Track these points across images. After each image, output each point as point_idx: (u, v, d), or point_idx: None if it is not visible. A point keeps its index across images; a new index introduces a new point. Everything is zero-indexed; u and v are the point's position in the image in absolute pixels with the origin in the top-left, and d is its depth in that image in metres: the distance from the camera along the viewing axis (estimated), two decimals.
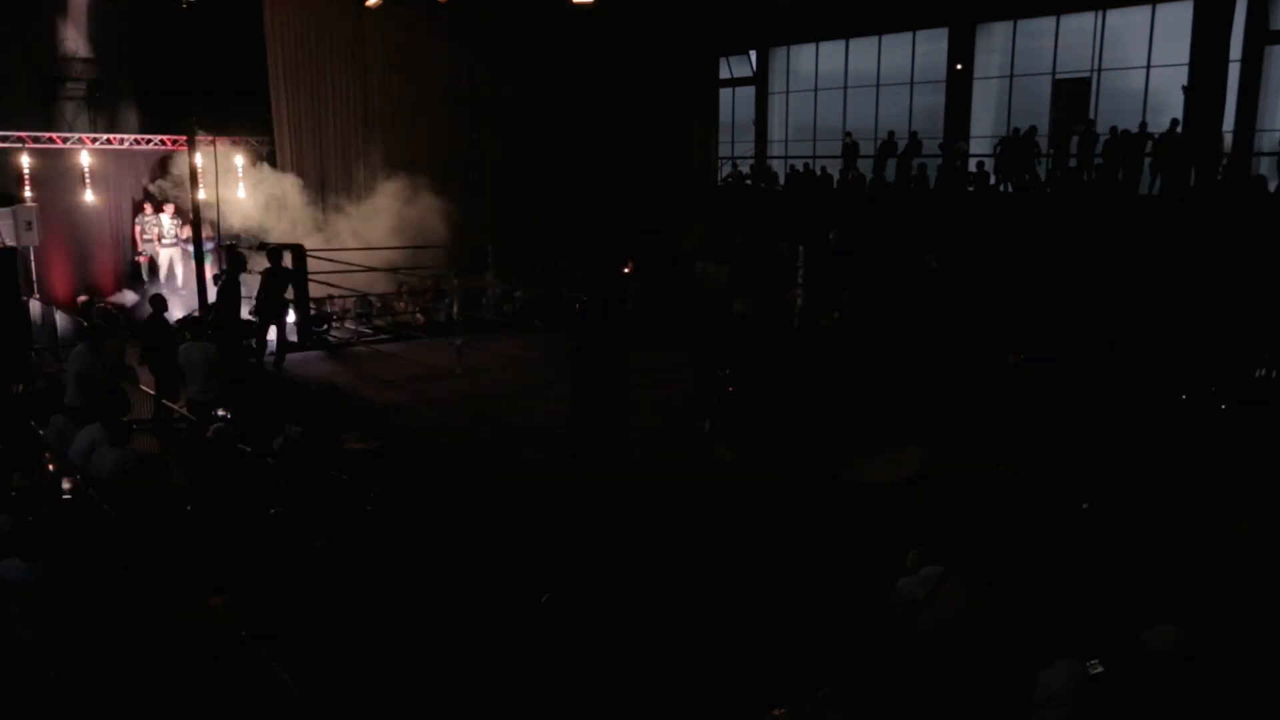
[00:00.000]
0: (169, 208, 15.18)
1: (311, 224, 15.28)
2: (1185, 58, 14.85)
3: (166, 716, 4.75)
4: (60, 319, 12.71)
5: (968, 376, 10.50)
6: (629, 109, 19.58)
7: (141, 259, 15.24)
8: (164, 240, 15.18)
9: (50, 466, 7.85)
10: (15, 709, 4.37)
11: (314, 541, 5.15)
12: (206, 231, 14.00)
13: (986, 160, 17.63)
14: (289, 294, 12.00)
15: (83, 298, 14.53)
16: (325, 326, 13.80)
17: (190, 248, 14.33)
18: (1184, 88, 14.25)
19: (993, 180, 17.27)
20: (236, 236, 14.62)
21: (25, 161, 13.99)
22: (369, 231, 15.33)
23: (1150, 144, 15.53)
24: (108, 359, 9.52)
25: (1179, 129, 14.67)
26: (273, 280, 11.47)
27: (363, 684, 5.02)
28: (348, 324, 14.67)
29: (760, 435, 6.69)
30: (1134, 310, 12.32)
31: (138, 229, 15.23)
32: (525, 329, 12.65)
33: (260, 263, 12.08)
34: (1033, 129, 16.91)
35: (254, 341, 11.54)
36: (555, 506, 6.68)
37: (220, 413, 8.94)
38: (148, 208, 15.23)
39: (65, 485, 7.25)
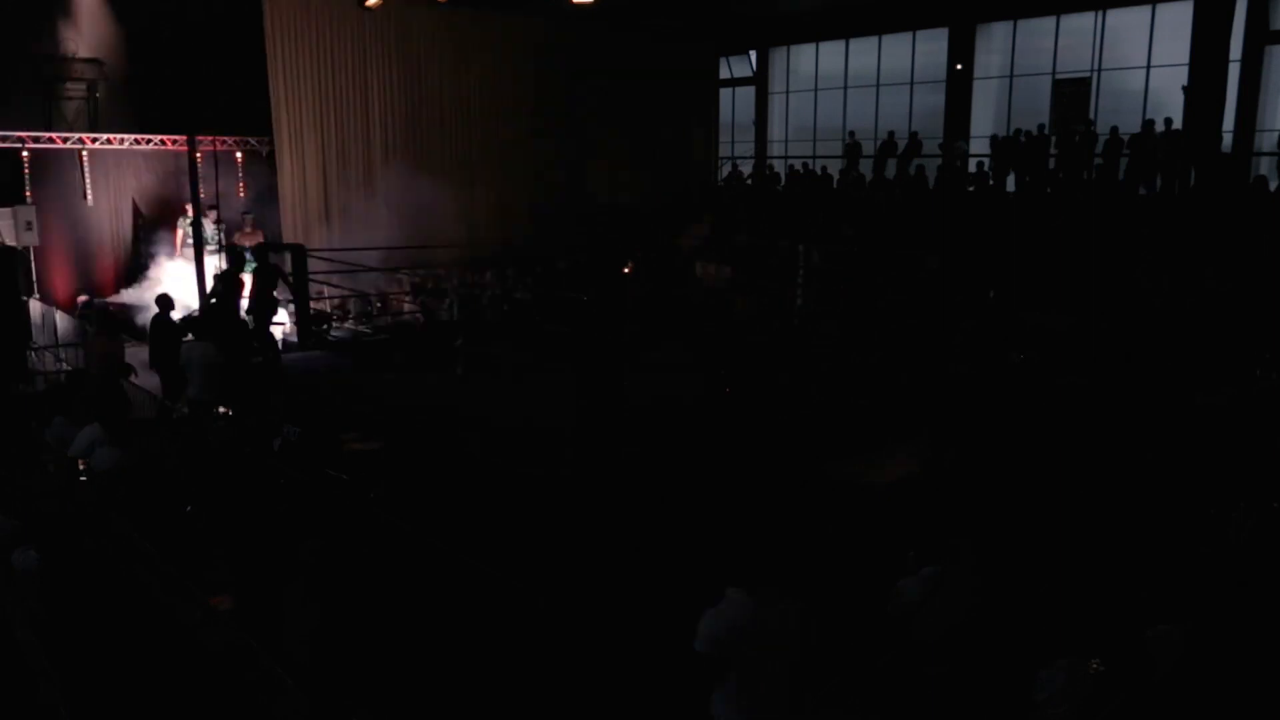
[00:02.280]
0: (211, 213, 14.40)
1: (312, 222, 15.29)
2: (1185, 58, 14.87)
3: (166, 716, 4.75)
4: (60, 319, 12.71)
5: (969, 376, 10.50)
6: (629, 109, 19.62)
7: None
8: (208, 247, 13.92)
9: (50, 467, 7.84)
10: (15, 709, 4.36)
11: (306, 544, 5.12)
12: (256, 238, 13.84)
13: (987, 160, 17.65)
14: (280, 293, 12.00)
15: (83, 298, 14.52)
16: (325, 326, 13.80)
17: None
18: (1184, 88, 14.26)
19: (991, 181, 17.28)
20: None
21: (25, 161, 13.99)
22: (370, 230, 15.34)
23: (1142, 144, 15.58)
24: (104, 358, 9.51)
25: (1167, 127, 14.72)
26: (263, 279, 11.50)
27: (363, 684, 5.02)
28: (348, 323, 14.66)
29: (759, 435, 6.70)
30: (1134, 310, 12.32)
31: (179, 233, 14.78)
32: (525, 328, 12.64)
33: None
34: (1041, 128, 16.94)
35: (254, 341, 11.55)
36: (555, 506, 6.68)
37: (222, 411, 8.93)
38: (190, 210, 14.28)
39: (65, 484, 7.25)
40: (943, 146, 18.37)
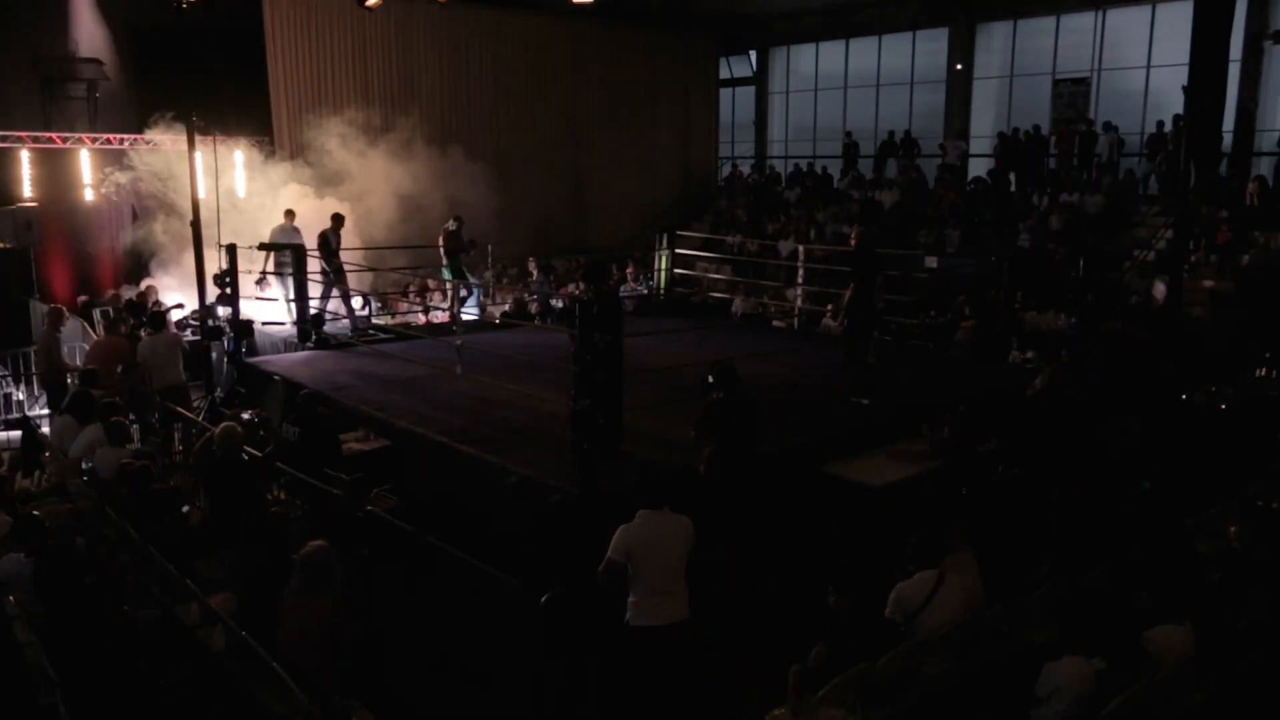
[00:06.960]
0: (288, 217, 13.40)
1: (312, 221, 15.25)
2: (1185, 58, 14.83)
3: (166, 717, 4.75)
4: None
5: (972, 377, 10.51)
6: (629, 108, 19.63)
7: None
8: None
9: (50, 466, 7.85)
10: (15, 709, 4.37)
11: (303, 544, 5.12)
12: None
13: (987, 160, 17.66)
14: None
15: (83, 298, 14.49)
16: (324, 327, 13.76)
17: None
18: (1184, 88, 14.24)
19: (991, 182, 17.29)
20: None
21: (25, 161, 13.97)
22: (368, 230, 15.31)
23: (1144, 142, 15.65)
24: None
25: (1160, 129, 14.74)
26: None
27: (362, 684, 5.02)
28: (345, 323, 14.62)
29: (747, 439, 6.66)
30: (1134, 312, 12.33)
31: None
32: (526, 328, 12.66)
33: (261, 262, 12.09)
34: (1036, 128, 16.95)
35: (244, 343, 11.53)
36: (554, 507, 6.68)
37: (246, 416, 8.87)
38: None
39: (65, 485, 7.25)
40: (943, 146, 18.39)
